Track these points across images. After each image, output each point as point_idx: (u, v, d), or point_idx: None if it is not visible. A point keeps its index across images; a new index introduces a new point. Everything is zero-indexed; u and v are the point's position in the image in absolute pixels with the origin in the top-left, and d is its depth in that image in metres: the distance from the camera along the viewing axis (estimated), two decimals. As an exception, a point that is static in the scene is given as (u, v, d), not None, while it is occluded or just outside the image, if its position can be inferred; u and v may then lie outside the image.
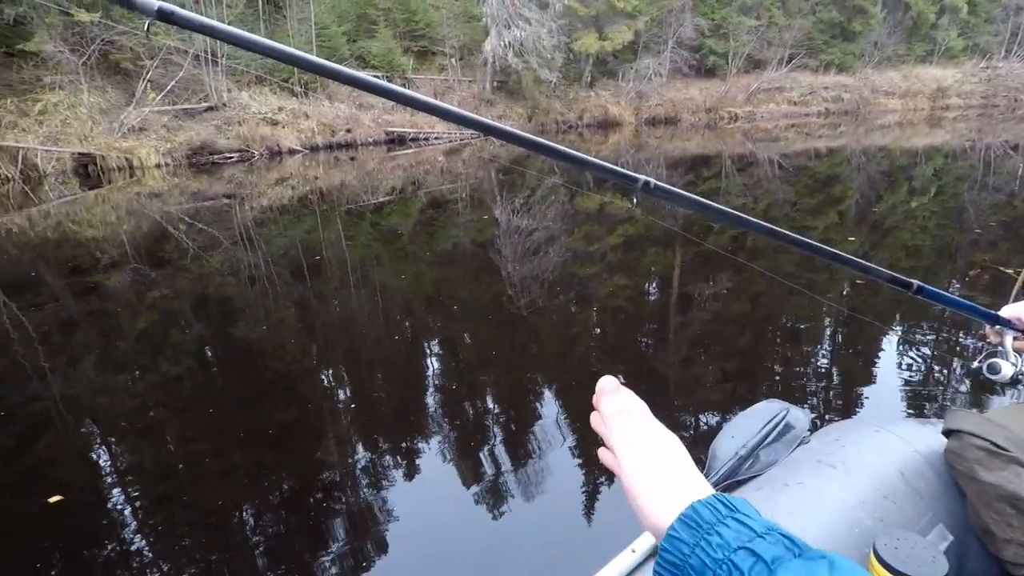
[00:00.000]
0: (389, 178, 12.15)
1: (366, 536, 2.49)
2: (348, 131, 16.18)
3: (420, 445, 3.11)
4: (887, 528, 1.13)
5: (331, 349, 4.38)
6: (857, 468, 1.29)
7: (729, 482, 1.55)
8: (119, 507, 2.75)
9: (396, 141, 16.66)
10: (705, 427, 3.17)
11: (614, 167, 0.89)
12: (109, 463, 3.11)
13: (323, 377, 3.95)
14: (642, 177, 0.88)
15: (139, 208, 9.66)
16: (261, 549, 2.45)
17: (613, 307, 5.06)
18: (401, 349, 4.36)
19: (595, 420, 0.59)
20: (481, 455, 3.04)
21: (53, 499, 2.75)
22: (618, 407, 0.56)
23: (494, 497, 2.68)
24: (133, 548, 2.49)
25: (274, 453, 3.10)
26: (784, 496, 1.27)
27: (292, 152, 14.87)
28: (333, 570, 2.31)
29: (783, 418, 1.71)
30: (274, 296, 5.63)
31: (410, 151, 15.54)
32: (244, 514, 2.66)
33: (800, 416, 1.74)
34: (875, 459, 1.31)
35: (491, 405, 3.55)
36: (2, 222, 8.67)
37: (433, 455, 3.02)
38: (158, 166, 12.97)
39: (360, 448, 3.13)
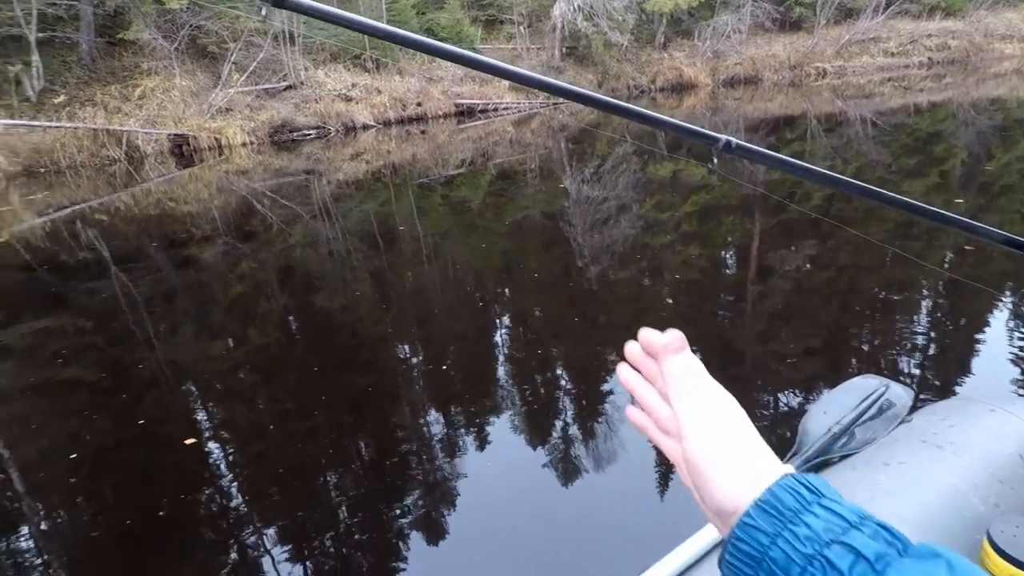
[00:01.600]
0: (459, 150, 12.23)
1: (437, 498, 2.59)
2: (419, 105, 16.36)
3: (490, 414, 3.17)
4: (1003, 514, 1.04)
5: (404, 319, 4.52)
6: (968, 449, 1.20)
7: (821, 460, 1.49)
8: (217, 462, 2.99)
9: (465, 113, 16.70)
10: (785, 407, 3.04)
11: (692, 127, 0.85)
12: (207, 421, 3.37)
13: (398, 345, 4.08)
14: (723, 136, 0.84)
15: (228, 185, 10.25)
16: (341, 505, 2.60)
17: (687, 278, 4.91)
18: (472, 320, 4.43)
19: (630, 375, 0.51)
20: (549, 427, 3.07)
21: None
22: (688, 366, 0.47)
23: (562, 470, 2.71)
24: (230, 498, 2.71)
25: (352, 416, 3.26)
26: (884, 476, 1.20)
27: (366, 127, 15.25)
28: (406, 528, 2.42)
29: (882, 395, 1.61)
30: (351, 268, 5.85)
31: (479, 123, 15.54)
32: (326, 472, 2.83)
33: (901, 393, 1.63)
34: (989, 440, 1.21)
35: (561, 377, 3.56)
36: (112, 200, 9.45)
37: (502, 424, 3.08)
38: (244, 144, 13.67)
39: (432, 414, 3.23)
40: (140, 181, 10.83)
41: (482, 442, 2.95)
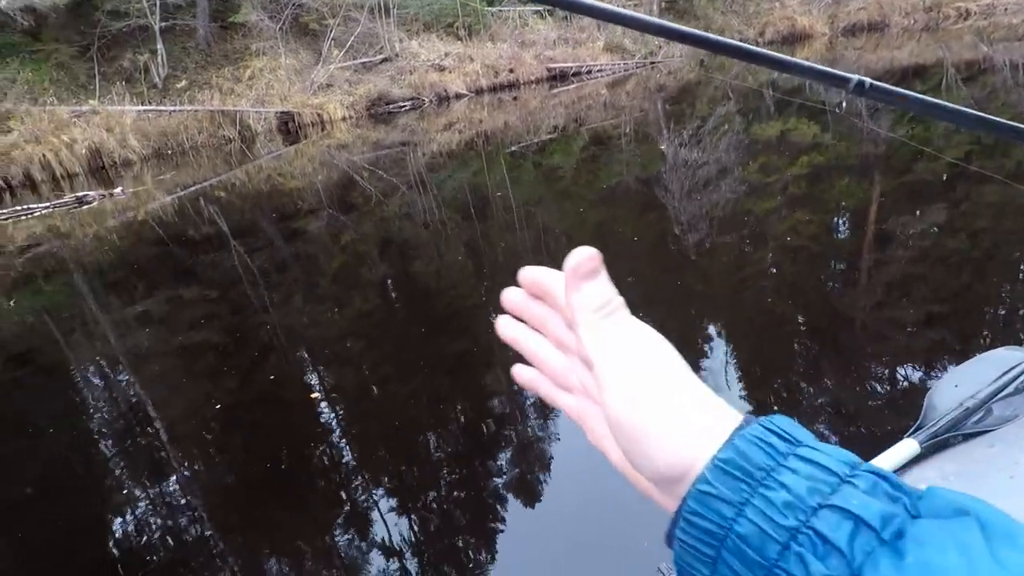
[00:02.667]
0: (551, 116, 12.05)
1: (531, 460, 2.63)
2: (511, 71, 16.24)
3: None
4: None
5: (498, 287, 4.57)
6: None
7: (951, 435, 1.35)
8: (328, 420, 3.21)
9: (558, 77, 16.37)
10: (905, 382, 2.79)
11: (820, 67, 0.76)
12: (318, 382, 3.63)
13: (492, 312, 4.15)
14: (854, 76, 0.74)
15: (330, 159, 10.76)
16: (440, 464, 2.71)
17: (793, 245, 4.59)
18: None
19: (511, 330, 0.42)
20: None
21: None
22: (604, 296, 0.35)
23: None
24: (341, 453, 2.91)
25: (449, 380, 3.37)
26: None
27: (458, 96, 15.39)
28: (502, 488, 2.48)
29: None
30: (446, 237, 5.99)
31: (572, 87, 15.20)
32: (426, 432, 2.96)
33: None
34: None
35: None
36: (228, 177, 10.24)
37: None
38: (343, 119, 14.26)
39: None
40: (252, 158, 11.63)
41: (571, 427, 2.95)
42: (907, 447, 1.32)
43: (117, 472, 3.09)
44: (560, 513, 2.36)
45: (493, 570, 2.15)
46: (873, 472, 0.27)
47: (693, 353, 3.30)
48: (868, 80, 0.75)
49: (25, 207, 9.08)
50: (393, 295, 4.79)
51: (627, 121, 10.64)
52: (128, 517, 2.71)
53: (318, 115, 14.04)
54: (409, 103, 15.00)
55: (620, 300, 0.35)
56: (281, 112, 13.80)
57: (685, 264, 4.44)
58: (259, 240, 6.69)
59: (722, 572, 0.28)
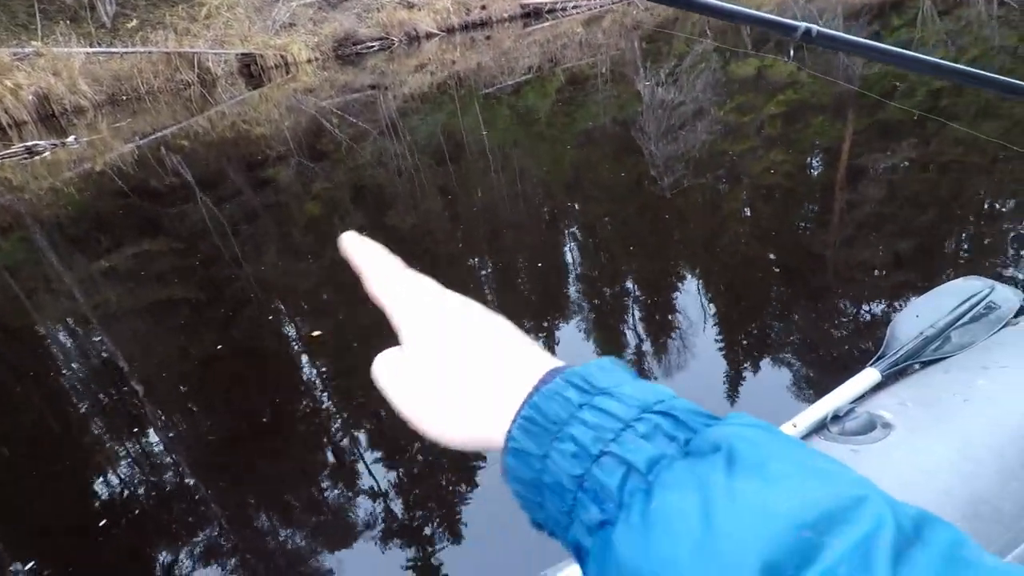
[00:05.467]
0: (525, 56, 11.68)
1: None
2: (483, 8, 15.59)
3: (561, 331, 3.20)
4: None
5: (474, 234, 4.54)
6: None
7: (910, 363, 1.41)
8: (307, 372, 3.21)
9: (532, 15, 15.77)
10: (868, 316, 2.88)
11: (766, 15, 0.75)
12: (295, 335, 3.60)
13: (468, 260, 4.13)
14: (802, 24, 0.74)
15: (297, 104, 10.35)
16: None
17: (768, 185, 4.61)
18: (541, 234, 4.39)
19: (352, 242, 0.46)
20: (620, 343, 3.07)
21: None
22: (381, 261, 0.41)
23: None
24: (321, 406, 2.93)
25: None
26: (982, 380, 1.11)
27: (429, 36, 14.78)
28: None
29: (986, 296, 1.48)
30: (420, 184, 5.88)
31: (547, 24, 14.69)
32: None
33: (1008, 295, 1.50)
34: None
35: (632, 292, 3.52)
36: (190, 124, 9.80)
37: (573, 343, 3.10)
38: (309, 61, 13.62)
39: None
40: (214, 104, 11.12)
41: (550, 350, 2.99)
42: (868, 376, 1.37)
43: (94, 429, 3.07)
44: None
45: (472, 521, 2.22)
46: (662, 412, 0.28)
47: (668, 291, 3.35)
48: (815, 27, 0.75)
49: (-28, 159, 8.61)
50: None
51: (603, 60, 10.38)
52: (107, 474, 2.72)
53: (282, 57, 13.39)
54: (377, 43, 14.37)
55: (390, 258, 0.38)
56: (242, 54, 13.13)
57: (661, 205, 4.44)
58: (227, 190, 6.48)
59: (550, 517, 0.29)
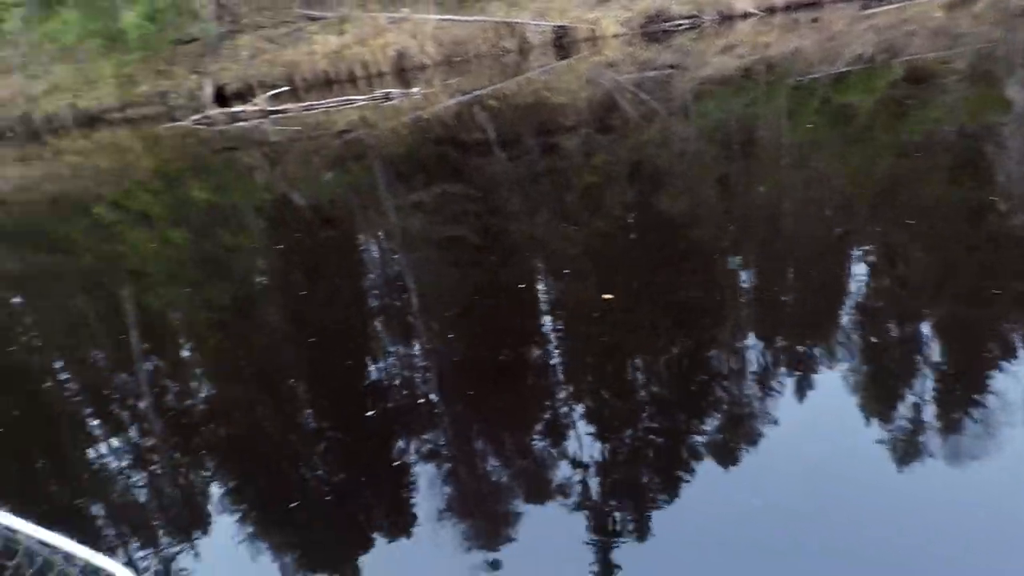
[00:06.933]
0: (855, 43, 10.16)
1: (739, 433, 2.47)
2: (815, -14, 13.93)
3: (820, 363, 2.78)
4: None
5: (746, 234, 4.21)
6: None
7: None
8: (554, 328, 3.41)
9: (876, -6, 13.58)
10: None
11: None
12: (550, 292, 3.84)
13: (731, 261, 3.86)
14: None
15: (595, 77, 10.72)
16: (644, 403, 2.72)
17: None
18: (824, 250, 3.86)
19: None
20: (897, 399, 2.54)
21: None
22: None
23: (900, 452, 2.25)
24: (555, 362, 3.09)
25: (671, 320, 3.28)
26: None
27: (746, 15, 13.81)
28: (700, 448, 2.39)
29: None
30: (700, 171, 5.64)
31: (892, 6, 12.49)
32: (636, 368, 2.97)
33: None
34: None
35: (931, 344, 2.84)
36: (501, 88, 10.90)
37: (831, 379, 2.65)
38: (615, 36, 13.91)
39: (753, 342, 3.01)
40: (524, 71, 12.14)
41: (801, 391, 2.64)
42: None
43: (376, 325, 3.75)
44: (748, 498, 2.20)
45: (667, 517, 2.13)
46: None
47: (981, 369, 2.68)
48: None
49: (347, 98, 10.96)
50: (633, 222, 4.74)
51: (963, 54, 8.46)
52: (376, 367, 3.30)
53: (591, 30, 13.93)
54: (687, 21, 13.96)
55: None
56: (558, 26, 14.00)
57: (1004, 252, 3.51)
58: (519, 150, 7.10)
59: None
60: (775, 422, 2.46)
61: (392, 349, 3.52)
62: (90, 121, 12.99)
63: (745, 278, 3.68)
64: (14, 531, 1.51)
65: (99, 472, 2.84)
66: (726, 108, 7.70)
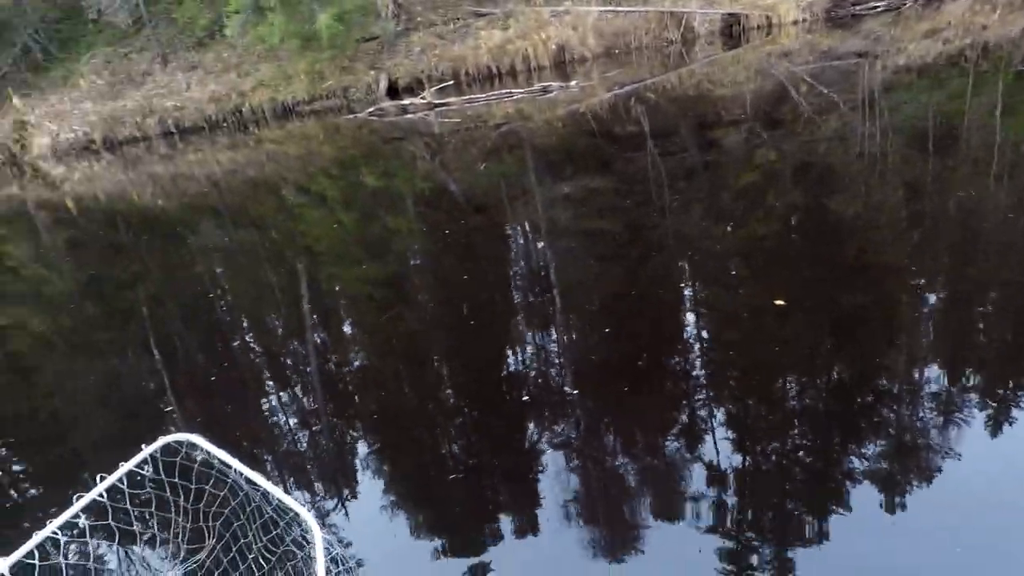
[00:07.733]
0: (1109, 22, 8.34)
1: (901, 459, 2.18)
2: (1057, -45, 11.60)
3: (1006, 402, 2.36)
4: None
5: (933, 245, 3.67)
6: None
7: None
8: (694, 333, 3.26)
9: None
10: None
11: None
12: (689, 294, 3.66)
13: (912, 274, 3.37)
14: None
15: (766, 67, 9.94)
16: (792, 417, 2.50)
17: None
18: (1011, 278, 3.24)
19: None
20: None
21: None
22: None
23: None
24: (694, 368, 2.96)
25: (833, 334, 2.98)
26: None
27: (957, -6, 11.94)
28: (860, 476, 2.15)
29: None
30: (882, 172, 5.01)
31: None
32: (786, 377, 2.74)
33: None
34: None
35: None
36: (661, 80, 10.54)
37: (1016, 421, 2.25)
38: (795, 23, 12.77)
39: (934, 371, 2.63)
40: (687, 62, 11.62)
41: (995, 426, 2.26)
42: None
43: (513, 311, 3.85)
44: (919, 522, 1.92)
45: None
46: None
47: None
48: None
49: (507, 91, 11.32)
50: (795, 225, 4.35)
51: None
52: (513, 353, 3.38)
53: (767, 17, 12.91)
54: (884, 3, 12.40)
55: None
56: (728, 14, 13.19)
57: None
58: (675, 144, 6.83)
59: None
60: (957, 456, 2.15)
61: (527, 335, 3.58)
62: (285, 113, 14.79)
63: (929, 294, 3.22)
64: (228, 466, 1.78)
65: (274, 423, 3.27)
66: (923, 100, 6.75)
